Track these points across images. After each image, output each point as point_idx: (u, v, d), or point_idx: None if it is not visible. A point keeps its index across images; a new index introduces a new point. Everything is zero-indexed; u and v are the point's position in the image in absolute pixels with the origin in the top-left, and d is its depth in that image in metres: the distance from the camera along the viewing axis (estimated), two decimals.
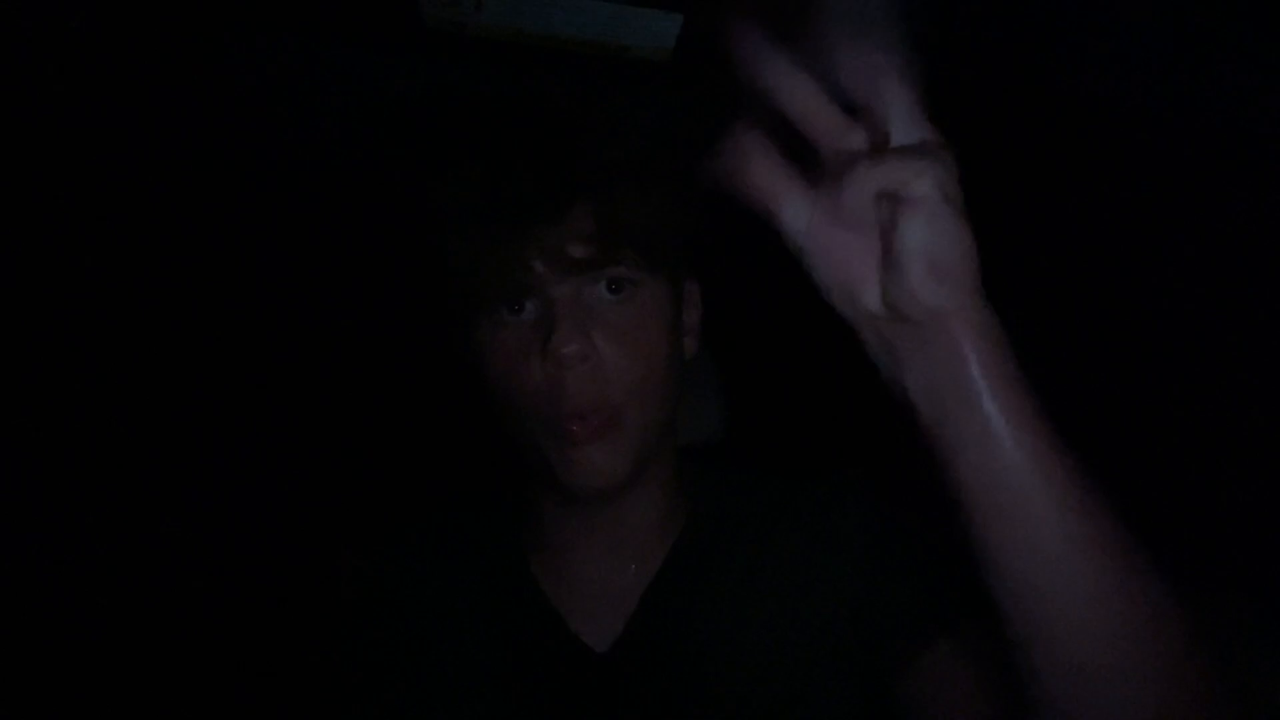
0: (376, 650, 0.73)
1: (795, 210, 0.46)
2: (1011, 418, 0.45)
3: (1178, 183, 1.00)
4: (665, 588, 0.72)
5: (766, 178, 0.45)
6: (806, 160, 0.46)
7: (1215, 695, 0.46)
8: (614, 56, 0.87)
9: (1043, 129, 1.00)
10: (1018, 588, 0.46)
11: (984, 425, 0.45)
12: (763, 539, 0.73)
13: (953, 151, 0.43)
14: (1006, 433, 0.44)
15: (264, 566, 1.17)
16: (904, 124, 0.43)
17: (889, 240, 0.44)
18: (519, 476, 0.76)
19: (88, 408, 1.18)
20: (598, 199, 0.64)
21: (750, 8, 0.43)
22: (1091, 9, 0.79)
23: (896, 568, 0.69)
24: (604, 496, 0.67)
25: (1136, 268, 1.09)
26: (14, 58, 0.84)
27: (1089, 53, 0.87)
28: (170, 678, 1.14)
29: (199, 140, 1.05)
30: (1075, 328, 1.13)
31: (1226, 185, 0.96)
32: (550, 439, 0.65)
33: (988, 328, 0.45)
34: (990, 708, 0.57)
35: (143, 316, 1.21)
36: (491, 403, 0.67)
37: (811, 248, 0.46)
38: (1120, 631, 0.45)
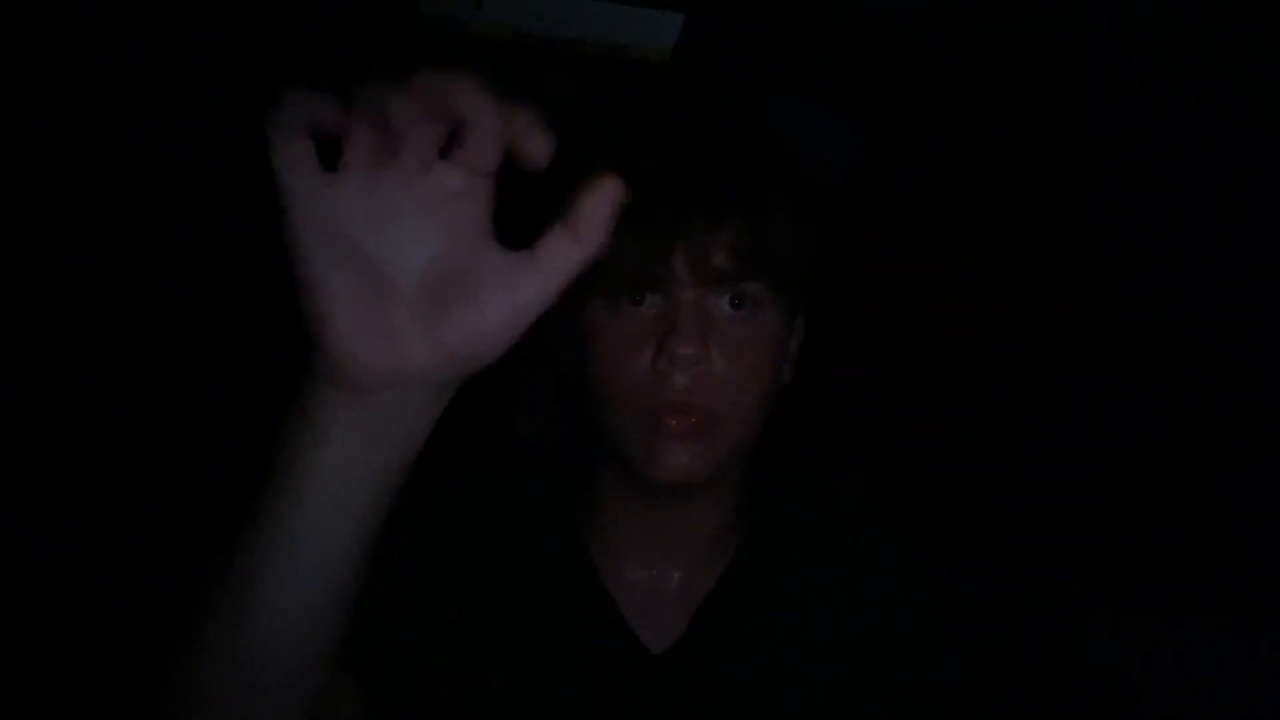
0: (421, 611, 0.72)
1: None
2: None
3: (1178, 182, 1.00)
4: (725, 597, 0.73)
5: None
6: None
7: None
8: (614, 56, 0.87)
9: (1041, 128, 1.00)
10: None
11: None
12: (819, 572, 0.75)
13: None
14: None
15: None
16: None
17: None
18: (589, 463, 0.76)
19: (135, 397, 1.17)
20: (753, 216, 0.65)
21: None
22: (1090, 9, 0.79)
23: (924, 658, 0.74)
24: (677, 495, 0.69)
25: (1138, 266, 1.09)
26: (13, 58, 0.84)
27: (1090, 52, 0.86)
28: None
29: (193, 139, 1.05)
30: (1074, 326, 1.13)
31: (1227, 185, 0.96)
32: (641, 428, 0.66)
33: None
34: None
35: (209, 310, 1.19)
36: (588, 384, 0.68)
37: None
38: None
